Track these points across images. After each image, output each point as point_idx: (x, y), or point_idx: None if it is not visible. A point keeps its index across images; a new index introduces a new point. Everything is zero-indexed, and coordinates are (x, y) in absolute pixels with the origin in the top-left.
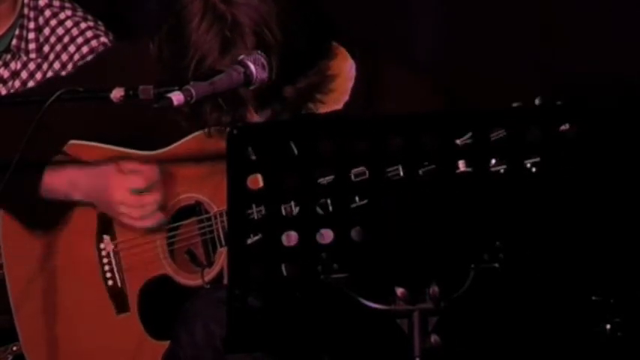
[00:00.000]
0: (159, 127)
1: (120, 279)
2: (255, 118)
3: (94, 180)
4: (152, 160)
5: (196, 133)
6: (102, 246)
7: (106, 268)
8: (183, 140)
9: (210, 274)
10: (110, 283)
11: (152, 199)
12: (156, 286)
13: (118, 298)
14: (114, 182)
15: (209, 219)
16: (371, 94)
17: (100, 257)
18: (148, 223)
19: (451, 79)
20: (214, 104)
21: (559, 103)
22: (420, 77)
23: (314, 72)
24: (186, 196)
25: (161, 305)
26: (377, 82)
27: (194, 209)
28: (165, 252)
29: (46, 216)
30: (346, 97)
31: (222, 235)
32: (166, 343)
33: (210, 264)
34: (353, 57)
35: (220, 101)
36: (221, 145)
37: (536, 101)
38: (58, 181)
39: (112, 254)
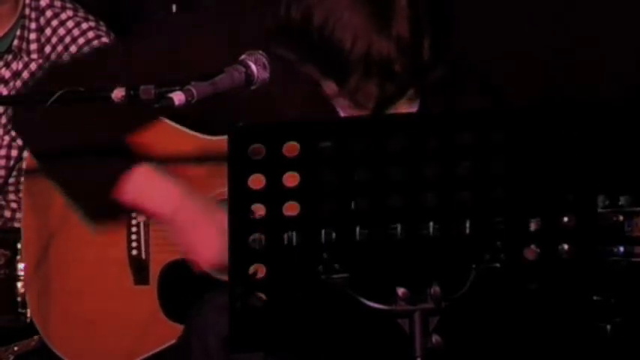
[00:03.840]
0: (234, 113)
1: (145, 251)
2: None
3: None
4: (208, 145)
5: None
6: (134, 214)
7: (133, 237)
8: None
9: None
10: (134, 252)
11: None
12: (180, 269)
13: (139, 269)
14: (208, 254)
15: None
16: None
17: (130, 225)
18: None
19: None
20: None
21: (559, 104)
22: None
23: (444, 68)
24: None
25: (182, 288)
26: (451, 104)
27: None
28: None
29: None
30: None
31: None
32: (177, 326)
33: None
34: None
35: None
36: None
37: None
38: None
39: (142, 225)
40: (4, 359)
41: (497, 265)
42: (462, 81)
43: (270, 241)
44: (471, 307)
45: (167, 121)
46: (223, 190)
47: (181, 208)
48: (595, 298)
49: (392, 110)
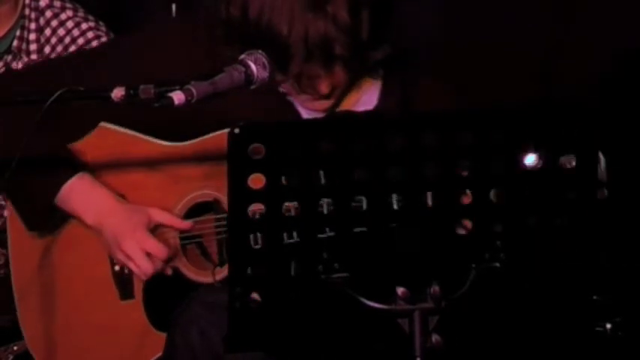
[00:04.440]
0: (185, 121)
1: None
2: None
3: (119, 221)
4: (177, 151)
5: (224, 131)
6: None
7: None
8: (209, 135)
9: (221, 273)
10: (117, 268)
11: (152, 270)
12: (163, 278)
13: (124, 284)
14: (133, 235)
15: (226, 218)
16: (403, 101)
17: None
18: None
19: (452, 76)
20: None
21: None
22: (450, 87)
23: (387, 48)
24: (205, 193)
25: (166, 297)
26: (408, 91)
27: (211, 206)
28: (177, 245)
29: (53, 219)
30: (374, 102)
31: None
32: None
33: (222, 263)
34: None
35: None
36: None
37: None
38: (83, 200)
39: None
40: (4, 359)
41: (498, 265)
42: (416, 64)
43: (269, 240)
44: (471, 306)
45: (111, 126)
46: (201, 192)
47: (107, 215)
48: (595, 297)
49: (354, 94)
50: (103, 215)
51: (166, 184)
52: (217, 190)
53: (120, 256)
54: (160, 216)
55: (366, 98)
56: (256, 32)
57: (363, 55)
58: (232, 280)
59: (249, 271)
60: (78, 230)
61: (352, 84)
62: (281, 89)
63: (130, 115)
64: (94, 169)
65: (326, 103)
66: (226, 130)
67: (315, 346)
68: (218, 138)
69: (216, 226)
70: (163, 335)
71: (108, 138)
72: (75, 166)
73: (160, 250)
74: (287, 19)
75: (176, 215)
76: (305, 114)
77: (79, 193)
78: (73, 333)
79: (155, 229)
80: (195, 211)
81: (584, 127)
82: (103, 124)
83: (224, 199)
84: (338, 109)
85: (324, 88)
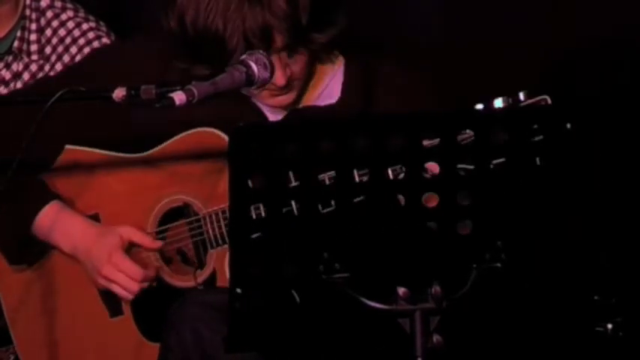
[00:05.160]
0: (149, 128)
1: None
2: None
3: (94, 247)
4: (144, 161)
5: (185, 133)
6: None
7: None
8: (171, 140)
9: (202, 275)
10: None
11: (137, 289)
12: (148, 289)
13: (111, 301)
14: (109, 259)
15: (198, 221)
16: (366, 90)
17: None
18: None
19: (451, 69)
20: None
21: (554, 101)
22: (415, 73)
23: (335, 30)
24: (174, 198)
25: (154, 307)
26: (371, 79)
27: (182, 211)
28: (156, 254)
29: (32, 252)
30: (337, 94)
31: (212, 237)
32: None
33: (202, 266)
34: (341, 53)
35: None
36: (210, 144)
37: (521, 95)
38: (57, 229)
39: None
40: (5, 359)
41: (498, 265)
42: (378, 51)
43: (269, 240)
44: (472, 307)
45: (77, 147)
46: (175, 197)
47: (80, 242)
48: (595, 297)
49: (315, 87)
50: (77, 243)
51: (138, 196)
52: (187, 194)
53: (102, 282)
54: (132, 235)
55: (329, 91)
56: (195, 37)
57: (306, 39)
58: (232, 280)
59: (249, 271)
60: (62, 254)
61: (309, 75)
62: (243, 91)
63: (91, 133)
64: (67, 191)
65: (287, 99)
66: (188, 133)
67: (315, 346)
68: (181, 141)
69: (190, 230)
70: (157, 346)
71: (76, 159)
72: (46, 194)
73: (136, 272)
74: (222, 15)
75: (152, 223)
76: (270, 115)
77: (52, 223)
78: (70, 355)
79: (131, 248)
80: (171, 216)
81: (581, 124)
82: (68, 146)
83: (194, 201)
84: (300, 106)
85: (279, 79)
